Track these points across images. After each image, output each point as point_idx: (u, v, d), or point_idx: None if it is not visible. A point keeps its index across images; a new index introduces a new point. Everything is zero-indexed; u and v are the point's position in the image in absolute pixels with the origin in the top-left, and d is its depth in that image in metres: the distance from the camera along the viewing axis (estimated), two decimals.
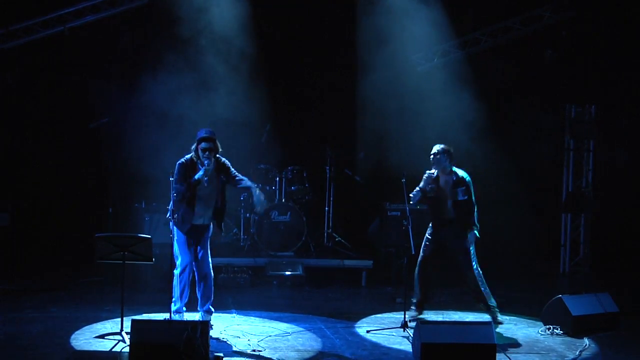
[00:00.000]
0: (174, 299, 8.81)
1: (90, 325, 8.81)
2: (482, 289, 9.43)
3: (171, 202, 8.63)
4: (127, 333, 7.85)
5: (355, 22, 13.17)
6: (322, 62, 13.74)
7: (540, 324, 9.31)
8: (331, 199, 13.28)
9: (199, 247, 8.92)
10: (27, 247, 12.81)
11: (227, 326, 8.95)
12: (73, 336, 8.36)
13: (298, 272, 11.81)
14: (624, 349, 8.63)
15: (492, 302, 9.47)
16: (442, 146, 9.51)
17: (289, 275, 11.79)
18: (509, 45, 13.58)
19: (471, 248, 9.40)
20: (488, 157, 12.84)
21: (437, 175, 9.54)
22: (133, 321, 7.44)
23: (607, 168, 13.77)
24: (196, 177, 8.71)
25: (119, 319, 8.25)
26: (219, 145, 8.89)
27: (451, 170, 9.51)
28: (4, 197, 12.85)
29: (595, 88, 13.51)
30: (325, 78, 13.79)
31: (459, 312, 10.04)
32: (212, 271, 9.04)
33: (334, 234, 13.18)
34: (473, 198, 9.43)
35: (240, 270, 11.75)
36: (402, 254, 9.79)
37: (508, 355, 7.99)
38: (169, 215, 8.72)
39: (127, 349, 7.66)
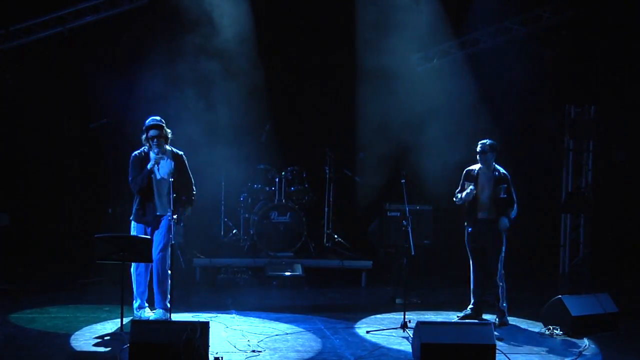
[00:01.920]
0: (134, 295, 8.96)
1: (90, 326, 8.81)
2: (500, 291, 9.52)
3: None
4: (126, 333, 7.85)
5: (354, 22, 13.17)
6: (321, 62, 13.74)
7: (540, 324, 9.31)
8: (331, 199, 13.27)
9: (157, 240, 8.94)
10: (27, 247, 12.81)
11: (227, 327, 8.95)
12: (73, 337, 8.37)
13: (298, 273, 11.81)
14: (624, 349, 8.64)
15: (505, 305, 9.55)
16: (490, 142, 9.51)
17: (288, 275, 11.79)
18: (509, 46, 13.59)
19: (503, 247, 9.45)
20: None
21: (478, 173, 9.55)
22: (133, 322, 7.46)
23: (607, 168, 13.77)
24: (148, 166, 8.89)
25: (119, 320, 8.25)
26: (168, 132, 9.04)
27: (494, 167, 9.53)
28: (4, 197, 12.86)
29: (595, 88, 13.51)
30: (324, 78, 13.78)
31: (458, 313, 10.02)
32: (167, 266, 9.01)
33: (334, 235, 13.17)
34: (514, 196, 9.46)
35: (239, 271, 11.75)
36: (402, 255, 9.79)
37: (508, 355, 7.99)
38: (169, 215, 8.73)
39: (126, 350, 7.65)
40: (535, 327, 9.39)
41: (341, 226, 13.44)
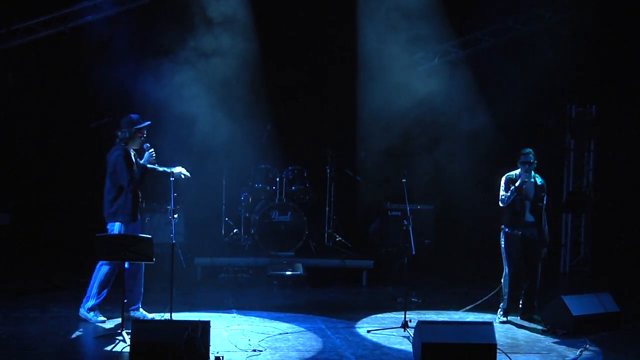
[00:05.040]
0: (100, 296, 8.83)
1: (91, 326, 8.81)
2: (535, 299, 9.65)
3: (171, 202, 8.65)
4: (127, 333, 7.86)
5: (356, 22, 13.18)
6: (322, 62, 13.74)
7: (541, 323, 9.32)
8: (332, 199, 13.28)
9: None
10: (27, 247, 12.81)
11: (228, 326, 8.95)
12: (73, 336, 8.37)
13: (299, 272, 11.81)
14: (625, 349, 8.63)
15: (537, 316, 9.63)
16: (533, 152, 9.62)
17: (289, 275, 11.79)
18: (509, 45, 13.59)
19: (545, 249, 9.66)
20: (488, 157, 12.85)
21: (520, 178, 9.61)
22: (134, 321, 7.46)
23: (608, 168, 13.76)
24: (143, 162, 8.91)
25: (119, 320, 8.25)
26: None
27: (533, 175, 9.64)
28: (5, 196, 12.86)
29: (596, 88, 13.50)
30: (325, 78, 13.79)
31: (459, 312, 10.04)
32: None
33: (335, 234, 13.17)
34: (545, 212, 9.66)
35: (240, 270, 11.77)
36: (403, 254, 9.79)
37: (508, 355, 7.98)
38: (170, 215, 8.74)
39: (127, 349, 7.66)
40: (536, 326, 9.38)
41: (342, 225, 13.45)
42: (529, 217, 9.58)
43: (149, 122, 9.13)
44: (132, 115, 9.13)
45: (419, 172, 12.47)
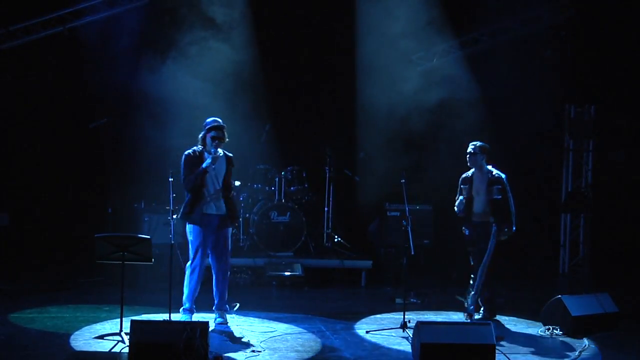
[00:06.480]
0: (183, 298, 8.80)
1: (90, 326, 8.81)
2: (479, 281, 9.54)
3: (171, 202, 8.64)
4: (126, 333, 7.86)
5: (354, 22, 13.18)
6: (321, 62, 13.73)
7: (540, 324, 9.32)
8: (331, 199, 13.27)
9: (217, 241, 8.94)
10: (27, 247, 12.80)
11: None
12: (72, 336, 8.37)
13: (297, 273, 11.82)
14: (624, 349, 8.64)
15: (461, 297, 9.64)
16: (479, 144, 9.52)
17: (288, 275, 11.79)
18: (509, 46, 13.59)
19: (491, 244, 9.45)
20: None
21: (472, 176, 9.54)
22: (132, 321, 7.44)
23: (606, 168, 13.77)
24: (204, 165, 8.77)
25: (119, 320, 8.26)
26: (226, 136, 8.99)
27: (487, 169, 9.55)
28: (4, 197, 12.85)
29: (595, 88, 13.50)
30: (325, 78, 13.78)
31: (458, 313, 10.04)
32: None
33: (334, 234, 13.17)
34: (510, 198, 9.45)
35: (239, 271, 11.77)
36: (402, 254, 9.80)
37: (508, 355, 7.99)
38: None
39: (126, 350, 7.66)
40: (535, 327, 9.39)
41: (341, 226, 13.45)
42: (478, 218, 9.52)
43: (212, 123, 8.94)
44: (207, 119, 9.03)
45: (418, 173, 12.47)
